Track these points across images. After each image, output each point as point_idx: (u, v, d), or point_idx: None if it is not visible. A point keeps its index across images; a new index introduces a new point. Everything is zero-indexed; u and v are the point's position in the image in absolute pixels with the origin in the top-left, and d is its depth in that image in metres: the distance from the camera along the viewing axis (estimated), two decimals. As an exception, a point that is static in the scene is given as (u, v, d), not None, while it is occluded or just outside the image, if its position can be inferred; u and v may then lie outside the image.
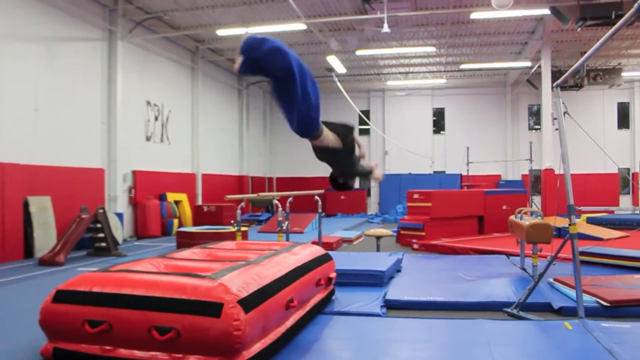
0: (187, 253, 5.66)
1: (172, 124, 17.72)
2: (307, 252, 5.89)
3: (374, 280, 7.16)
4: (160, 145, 17.08)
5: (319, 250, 6.23)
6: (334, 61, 19.42)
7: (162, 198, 16.53)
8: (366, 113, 26.28)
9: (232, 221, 10.55)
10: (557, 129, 5.02)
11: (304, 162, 27.06)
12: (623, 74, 21.23)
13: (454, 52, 21.18)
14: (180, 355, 3.72)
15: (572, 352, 4.54)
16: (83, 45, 13.56)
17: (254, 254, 5.45)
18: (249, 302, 3.86)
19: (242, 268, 4.36)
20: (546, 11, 14.72)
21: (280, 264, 4.89)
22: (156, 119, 16.86)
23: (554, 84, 5.05)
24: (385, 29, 14.10)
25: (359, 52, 18.89)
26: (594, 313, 5.78)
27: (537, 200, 20.96)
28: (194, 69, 19.31)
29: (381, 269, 7.27)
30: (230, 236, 9.62)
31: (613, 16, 13.54)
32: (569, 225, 5.04)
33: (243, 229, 9.11)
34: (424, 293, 6.80)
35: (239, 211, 8.96)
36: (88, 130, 13.64)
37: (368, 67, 23.64)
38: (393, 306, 6.36)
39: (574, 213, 5.02)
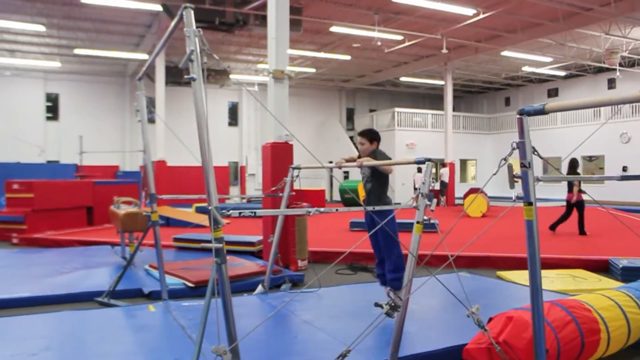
0: None
1: None
2: None
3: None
4: None
5: None
6: None
7: None
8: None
9: None
10: (139, 121, 5.23)
11: None
12: (232, 76, 23.39)
13: (67, 35, 20.04)
14: None
15: (150, 331, 4.85)
16: None
17: None
18: None
19: None
20: (159, 7, 15.18)
21: None
22: None
23: (137, 77, 5.24)
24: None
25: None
26: (181, 294, 6.25)
27: (153, 190, 21.50)
28: None
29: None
30: None
31: (217, 22, 14.76)
32: (151, 213, 5.30)
33: None
34: (9, 290, 6.35)
35: None
36: None
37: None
38: (-33, 308, 5.75)
39: (155, 201, 5.30)
